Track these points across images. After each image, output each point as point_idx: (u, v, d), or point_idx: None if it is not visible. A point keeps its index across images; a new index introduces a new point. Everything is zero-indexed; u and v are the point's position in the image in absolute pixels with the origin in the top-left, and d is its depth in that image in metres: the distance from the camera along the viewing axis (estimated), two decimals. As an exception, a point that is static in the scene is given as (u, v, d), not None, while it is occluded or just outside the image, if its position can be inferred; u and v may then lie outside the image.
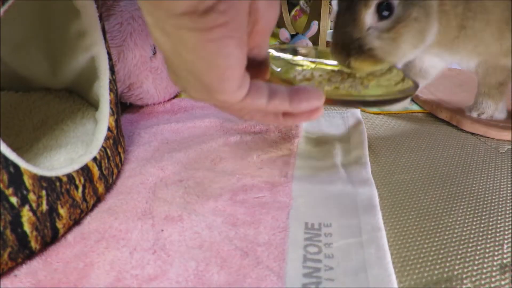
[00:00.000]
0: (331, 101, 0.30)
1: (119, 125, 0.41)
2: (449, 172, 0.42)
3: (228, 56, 0.22)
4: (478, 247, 0.31)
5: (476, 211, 0.35)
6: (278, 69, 0.41)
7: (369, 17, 0.37)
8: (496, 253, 0.30)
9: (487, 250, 0.30)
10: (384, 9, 0.37)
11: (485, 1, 0.40)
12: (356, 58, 0.38)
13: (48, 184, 0.28)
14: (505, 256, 0.30)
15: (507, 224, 0.33)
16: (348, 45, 0.38)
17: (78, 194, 0.31)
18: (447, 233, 0.32)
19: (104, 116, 0.37)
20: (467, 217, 0.34)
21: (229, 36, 0.22)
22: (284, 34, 0.88)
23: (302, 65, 0.42)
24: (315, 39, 0.90)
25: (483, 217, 0.34)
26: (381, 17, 0.37)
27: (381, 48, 0.38)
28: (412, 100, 0.62)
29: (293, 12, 1.06)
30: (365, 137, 0.46)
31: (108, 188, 0.36)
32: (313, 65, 0.43)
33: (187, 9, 0.20)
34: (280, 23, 1.03)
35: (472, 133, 0.51)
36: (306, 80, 0.37)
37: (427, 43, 0.40)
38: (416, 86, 0.37)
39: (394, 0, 0.37)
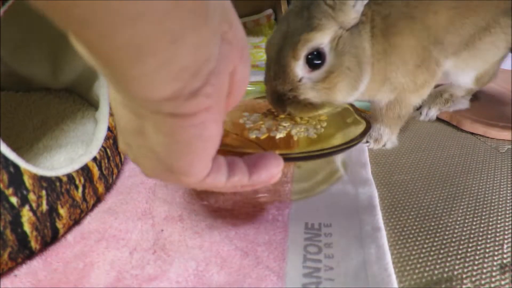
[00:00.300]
0: (286, 159, 0.29)
1: (119, 125, 0.41)
2: (449, 172, 0.42)
3: (208, 140, 0.20)
4: (478, 247, 0.31)
5: (476, 211, 0.35)
6: None
7: (299, 68, 0.36)
8: (496, 253, 0.30)
9: (487, 250, 0.30)
10: (315, 58, 0.36)
11: (402, 52, 0.40)
12: (294, 108, 0.37)
13: (48, 184, 0.28)
14: (505, 256, 0.30)
15: (507, 224, 0.33)
16: (282, 96, 0.37)
17: (78, 194, 0.31)
18: (447, 233, 0.32)
19: (104, 116, 0.37)
20: (467, 217, 0.34)
21: (212, 120, 0.20)
22: (284, 34, 0.87)
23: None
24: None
25: (483, 217, 0.34)
26: (313, 66, 0.36)
27: (316, 98, 0.37)
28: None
29: (293, 12, 1.06)
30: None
31: (108, 188, 0.36)
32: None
33: (171, 94, 0.18)
34: (280, 23, 1.03)
35: (472, 133, 0.51)
36: (256, 129, 0.37)
37: (361, 89, 0.40)
38: (368, 127, 0.37)
39: (324, 48, 0.36)
